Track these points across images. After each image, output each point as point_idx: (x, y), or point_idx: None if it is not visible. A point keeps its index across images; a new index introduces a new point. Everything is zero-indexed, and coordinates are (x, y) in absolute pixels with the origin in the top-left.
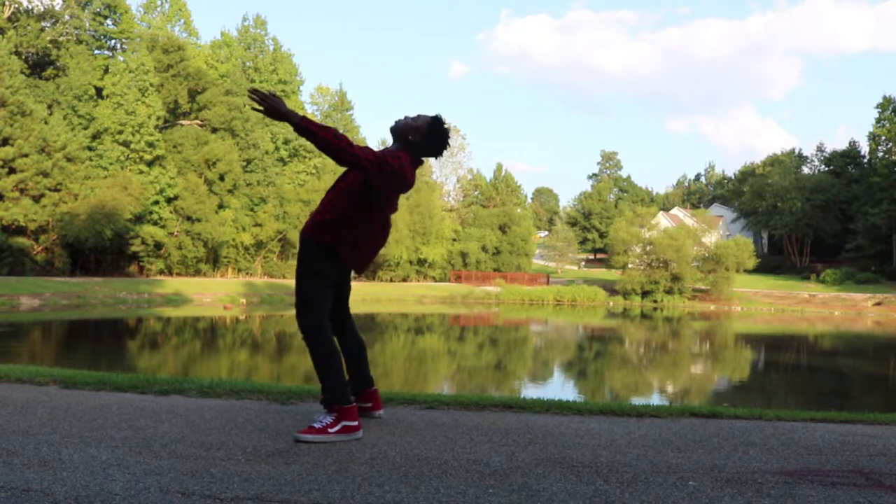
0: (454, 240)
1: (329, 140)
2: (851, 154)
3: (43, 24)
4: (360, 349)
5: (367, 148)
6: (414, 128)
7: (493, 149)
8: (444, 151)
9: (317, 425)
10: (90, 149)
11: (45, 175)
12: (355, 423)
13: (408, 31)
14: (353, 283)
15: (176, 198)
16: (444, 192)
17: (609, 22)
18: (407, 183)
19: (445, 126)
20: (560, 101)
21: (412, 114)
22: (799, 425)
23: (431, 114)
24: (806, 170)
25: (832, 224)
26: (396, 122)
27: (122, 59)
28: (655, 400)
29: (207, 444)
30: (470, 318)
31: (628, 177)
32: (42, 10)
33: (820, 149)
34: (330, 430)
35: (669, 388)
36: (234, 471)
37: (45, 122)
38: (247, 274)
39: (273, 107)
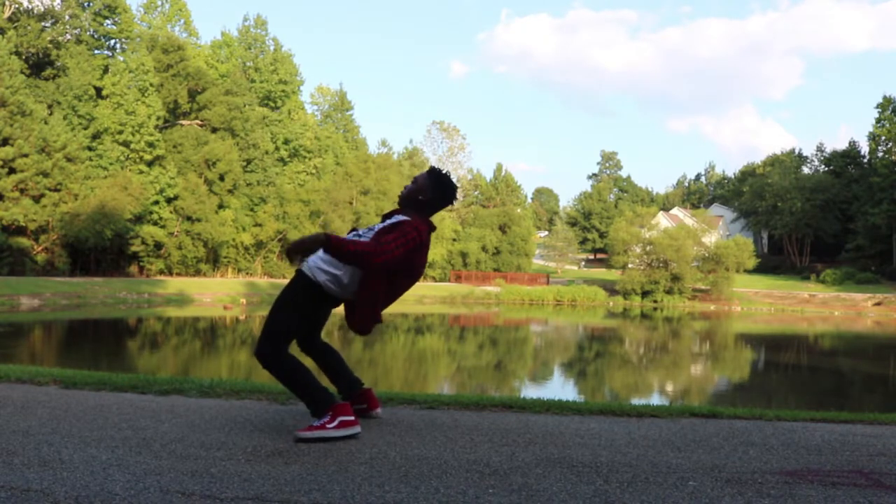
0: (454, 240)
1: (351, 252)
2: (851, 154)
3: (43, 24)
4: (331, 355)
5: (385, 248)
6: (419, 189)
7: (493, 149)
8: (457, 195)
9: (315, 423)
10: (90, 149)
11: (45, 175)
12: (352, 418)
13: (408, 31)
14: None
15: (176, 198)
16: None
17: (609, 21)
18: (425, 247)
19: (444, 172)
20: (560, 101)
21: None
22: (799, 425)
23: (425, 170)
24: (806, 170)
25: (832, 224)
26: (401, 194)
27: (122, 59)
28: (655, 400)
29: (207, 444)
30: (470, 318)
31: (628, 177)
32: (42, 10)
33: (820, 149)
34: (328, 426)
35: (669, 388)
36: (234, 471)
37: (45, 122)
38: (247, 274)
39: (299, 248)
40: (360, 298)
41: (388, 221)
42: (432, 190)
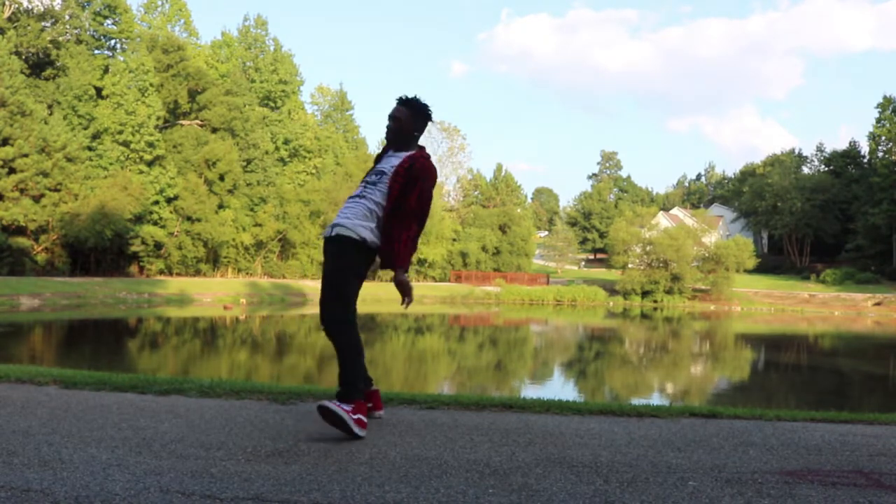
0: (454, 240)
1: (409, 252)
2: (851, 154)
3: (43, 24)
4: None
5: (415, 211)
6: (406, 126)
7: (493, 149)
8: (430, 109)
9: (343, 406)
10: (90, 149)
11: (45, 175)
12: (365, 420)
13: (408, 31)
14: None
15: (176, 198)
16: (444, 192)
17: (610, 21)
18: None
19: (414, 98)
20: (560, 100)
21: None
22: (799, 425)
23: (399, 105)
24: (806, 170)
25: (832, 224)
26: (389, 137)
27: (122, 59)
28: (655, 400)
29: (207, 444)
30: (470, 318)
31: (628, 177)
32: (42, 10)
33: (820, 149)
34: (350, 413)
35: (669, 388)
36: (234, 471)
37: (45, 122)
38: (247, 274)
39: (408, 290)
40: (395, 234)
41: (397, 161)
42: (417, 121)
